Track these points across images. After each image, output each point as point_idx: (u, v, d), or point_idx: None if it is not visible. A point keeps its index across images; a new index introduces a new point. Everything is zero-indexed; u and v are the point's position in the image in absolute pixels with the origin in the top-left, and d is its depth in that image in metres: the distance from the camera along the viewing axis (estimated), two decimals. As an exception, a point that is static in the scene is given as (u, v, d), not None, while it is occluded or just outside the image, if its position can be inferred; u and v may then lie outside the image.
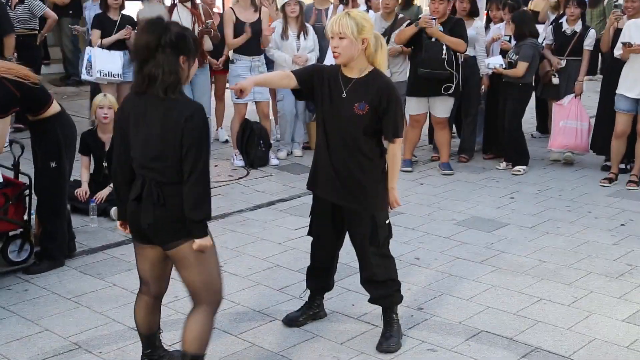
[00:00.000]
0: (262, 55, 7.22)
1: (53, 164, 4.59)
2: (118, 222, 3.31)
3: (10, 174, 4.94)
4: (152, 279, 3.29)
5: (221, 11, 9.12)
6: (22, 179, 4.86)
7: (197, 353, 3.18)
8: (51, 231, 4.70)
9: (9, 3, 8.13)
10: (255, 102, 7.28)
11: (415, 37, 6.76)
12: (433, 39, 6.70)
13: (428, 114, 7.24)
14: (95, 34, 7.35)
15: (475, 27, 7.29)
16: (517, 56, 7.02)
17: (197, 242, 3.01)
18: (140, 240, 3.16)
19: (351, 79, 3.61)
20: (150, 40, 2.94)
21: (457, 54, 6.77)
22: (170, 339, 3.75)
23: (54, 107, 4.59)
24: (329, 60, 7.31)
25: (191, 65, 3.06)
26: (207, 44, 6.92)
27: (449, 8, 7.06)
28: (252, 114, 7.51)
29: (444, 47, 6.66)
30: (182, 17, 6.71)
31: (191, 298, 3.21)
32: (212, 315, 3.21)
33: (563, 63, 7.53)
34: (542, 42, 7.69)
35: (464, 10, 7.30)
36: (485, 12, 8.70)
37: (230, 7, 7.27)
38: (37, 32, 8.42)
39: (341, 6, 7.09)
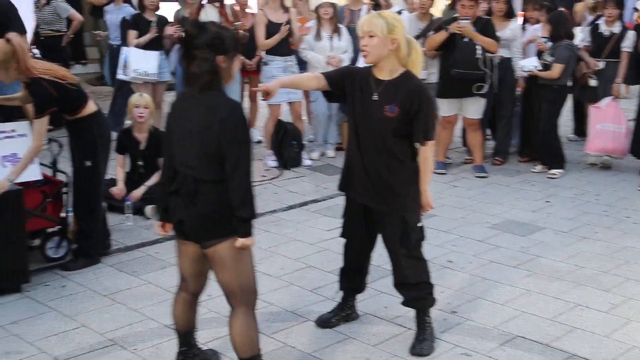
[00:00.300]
0: (294, 56, 7.23)
1: (88, 163, 4.66)
2: (157, 223, 3.33)
3: (48, 172, 5.02)
4: (191, 276, 3.32)
5: (254, 11, 9.18)
6: (60, 176, 4.93)
7: (253, 354, 3.20)
8: (86, 229, 4.76)
9: (37, 4, 8.26)
10: (289, 103, 7.30)
11: (448, 38, 6.72)
12: (466, 39, 6.66)
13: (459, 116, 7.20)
14: (132, 34, 7.43)
15: (511, 29, 7.22)
16: (552, 58, 6.93)
17: (241, 241, 3.02)
18: (179, 236, 3.20)
19: (382, 80, 3.58)
20: (187, 40, 3.00)
21: (490, 54, 6.73)
22: (204, 337, 3.77)
23: (90, 107, 4.65)
24: (362, 61, 7.28)
25: (232, 64, 3.08)
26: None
27: (482, 9, 7.03)
28: (285, 115, 7.53)
29: (478, 47, 6.62)
30: (210, 17, 6.75)
31: (227, 299, 3.22)
32: (252, 314, 3.21)
33: (601, 65, 7.42)
34: (580, 44, 7.59)
35: (500, 10, 7.24)
36: (522, 13, 8.60)
37: (262, 9, 7.30)
38: (63, 33, 8.54)
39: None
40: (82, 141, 4.65)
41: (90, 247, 4.79)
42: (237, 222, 2.98)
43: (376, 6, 7.04)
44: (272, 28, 7.08)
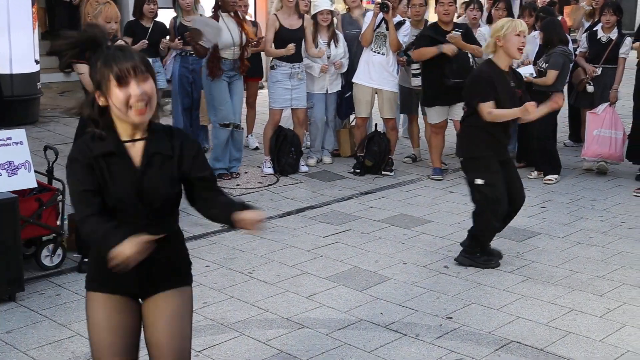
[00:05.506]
0: (303, 63, 7.20)
1: None
2: None
3: (44, 180, 5.03)
4: None
5: (253, 19, 9.18)
6: (56, 184, 4.94)
7: None
8: None
9: None
10: (292, 109, 7.29)
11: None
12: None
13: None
14: (127, 41, 7.42)
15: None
16: (546, 64, 6.95)
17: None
18: None
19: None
20: None
21: (478, 59, 6.82)
22: (199, 345, 3.77)
23: None
24: (361, 67, 7.29)
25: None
26: (249, 52, 6.93)
27: (474, 16, 7.16)
28: (282, 121, 7.51)
29: (470, 55, 6.69)
30: (230, 27, 6.71)
31: None
32: None
33: (598, 71, 7.44)
34: (576, 50, 7.61)
35: (499, 17, 7.29)
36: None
37: (274, 14, 7.27)
38: None
39: (381, 14, 7.03)
40: None
41: None
42: None
43: (383, 8, 6.97)
44: (284, 34, 7.03)
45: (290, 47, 6.88)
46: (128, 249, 2.29)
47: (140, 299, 2.64)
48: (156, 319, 2.61)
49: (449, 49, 6.69)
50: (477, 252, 4.97)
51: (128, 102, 2.39)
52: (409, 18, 7.52)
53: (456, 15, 8.53)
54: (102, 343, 2.57)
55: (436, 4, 6.97)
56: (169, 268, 2.61)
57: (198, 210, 2.62)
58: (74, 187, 2.45)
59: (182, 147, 2.55)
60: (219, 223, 2.59)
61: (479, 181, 4.82)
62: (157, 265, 2.56)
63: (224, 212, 2.54)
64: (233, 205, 2.56)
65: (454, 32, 6.74)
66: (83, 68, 4.63)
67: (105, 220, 2.41)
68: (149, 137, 2.50)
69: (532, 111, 4.61)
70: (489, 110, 4.70)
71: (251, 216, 2.49)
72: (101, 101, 2.43)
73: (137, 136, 2.49)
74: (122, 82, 2.38)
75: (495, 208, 4.82)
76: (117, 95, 2.38)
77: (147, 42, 7.21)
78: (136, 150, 2.49)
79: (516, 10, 9.82)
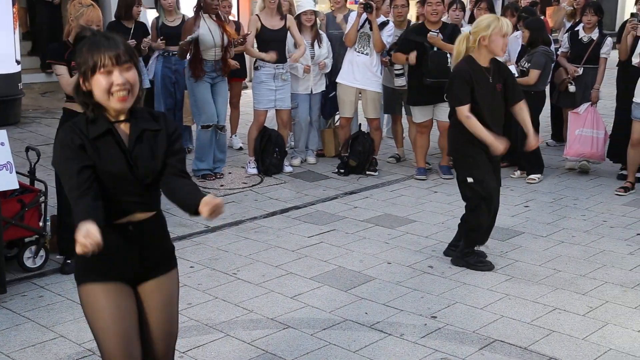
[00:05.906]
0: (286, 64, 7.18)
1: None
2: None
3: (26, 181, 4.99)
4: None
5: (236, 19, 9.15)
6: (38, 185, 4.90)
7: None
8: None
9: None
10: (276, 110, 7.27)
11: (419, 47, 6.78)
12: (435, 48, 6.75)
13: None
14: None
15: None
16: (528, 64, 7.00)
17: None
18: None
19: (489, 67, 4.79)
20: None
21: None
22: (184, 346, 3.76)
23: None
24: (345, 67, 7.31)
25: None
26: (231, 53, 6.92)
27: (457, 17, 7.20)
28: (266, 121, 7.50)
29: (449, 55, 6.72)
30: (211, 28, 6.68)
31: None
32: None
33: (580, 71, 7.50)
34: (558, 50, 7.67)
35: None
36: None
37: (256, 14, 7.25)
38: None
39: (364, 14, 7.03)
40: None
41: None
42: None
43: (367, 8, 6.96)
44: (266, 34, 7.00)
45: (273, 55, 6.86)
46: (83, 234, 2.26)
47: (133, 285, 2.67)
48: (150, 307, 2.68)
49: (410, 58, 6.78)
50: (471, 253, 4.96)
51: (110, 89, 2.44)
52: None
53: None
54: (110, 332, 2.54)
55: (424, 4, 6.98)
56: (160, 251, 2.69)
57: (163, 191, 2.65)
58: (68, 168, 2.45)
59: (167, 123, 2.65)
60: (182, 208, 2.59)
61: (469, 179, 4.85)
62: (149, 247, 2.63)
63: (189, 198, 2.54)
64: (196, 193, 2.55)
65: (431, 32, 6.76)
66: (61, 69, 4.61)
67: (91, 202, 2.41)
68: (134, 117, 2.58)
69: (502, 150, 4.76)
70: (466, 114, 4.73)
71: (207, 200, 2.46)
72: (85, 86, 2.49)
73: (122, 118, 2.55)
74: (105, 69, 2.43)
75: (487, 204, 4.83)
76: (99, 82, 2.44)
77: (138, 40, 7.14)
78: (124, 129, 2.55)
79: (498, 10, 9.91)
